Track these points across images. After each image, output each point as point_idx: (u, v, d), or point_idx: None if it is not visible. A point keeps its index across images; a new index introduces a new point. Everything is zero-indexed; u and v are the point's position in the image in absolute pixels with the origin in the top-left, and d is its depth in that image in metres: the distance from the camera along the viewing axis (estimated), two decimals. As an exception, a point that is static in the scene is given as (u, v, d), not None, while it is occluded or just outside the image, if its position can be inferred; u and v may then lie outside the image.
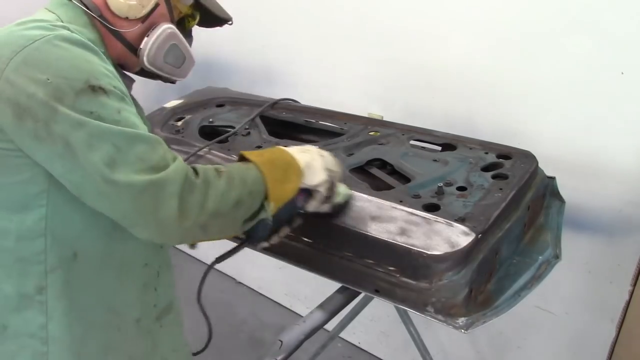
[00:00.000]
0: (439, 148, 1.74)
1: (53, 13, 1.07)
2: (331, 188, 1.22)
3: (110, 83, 0.96)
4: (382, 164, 1.65)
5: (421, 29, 2.12)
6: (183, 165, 0.96)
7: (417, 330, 2.20)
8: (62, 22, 1.04)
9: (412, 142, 1.75)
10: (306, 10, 2.46)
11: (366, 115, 2.09)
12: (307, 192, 1.20)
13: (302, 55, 2.55)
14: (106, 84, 0.95)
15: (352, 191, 1.36)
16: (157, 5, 1.14)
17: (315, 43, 2.48)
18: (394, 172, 1.62)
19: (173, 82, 1.31)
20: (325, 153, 1.23)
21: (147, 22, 1.14)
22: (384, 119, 2.13)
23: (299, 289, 3.02)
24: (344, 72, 2.41)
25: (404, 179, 1.56)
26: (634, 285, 1.61)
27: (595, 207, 1.90)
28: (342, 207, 1.34)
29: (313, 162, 1.17)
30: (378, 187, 1.50)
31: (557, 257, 1.56)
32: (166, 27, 1.17)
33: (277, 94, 2.37)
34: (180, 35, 1.21)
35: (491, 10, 1.94)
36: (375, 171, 1.63)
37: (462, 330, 1.23)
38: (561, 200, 1.71)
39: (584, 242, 1.95)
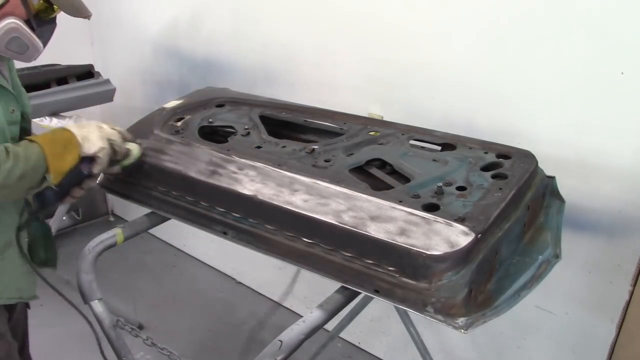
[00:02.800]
0: (439, 148, 1.74)
1: None
2: (113, 153, 1.49)
3: None
4: (382, 164, 1.65)
5: (421, 29, 2.12)
6: None
7: (417, 330, 2.20)
8: None
9: (411, 142, 1.75)
10: (306, 10, 2.46)
11: (366, 115, 2.10)
12: (90, 159, 1.46)
13: (302, 55, 2.55)
14: None
15: (142, 149, 1.62)
16: (6, 1, 1.31)
17: (315, 43, 2.48)
18: (393, 172, 1.62)
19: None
20: (104, 125, 1.49)
21: None
22: (384, 119, 2.13)
23: (299, 289, 3.02)
24: (344, 72, 2.41)
25: (404, 179, 1.56)
26: (634, 285, 1.61)
27: (595, 207, 1.90)
28: (134, 165, 1.60)
29: (89, 134, 1.43)
30: (378, 187, 1.50)
31: (557, 256, 1.56)
32: (8, 22, 1.32)
33: (277, 94, 2.38)
34: (24, 28, 1.34)
35: (491, 11, 1.94)
36: (374, 171, 1.63)
37: (462, 330, 1.23)
38: (561, 199, 1.71)
39: (584, 242, 1.95)
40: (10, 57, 1.44)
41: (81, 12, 1.44)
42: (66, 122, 2.86)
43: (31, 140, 1.36)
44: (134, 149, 1.59)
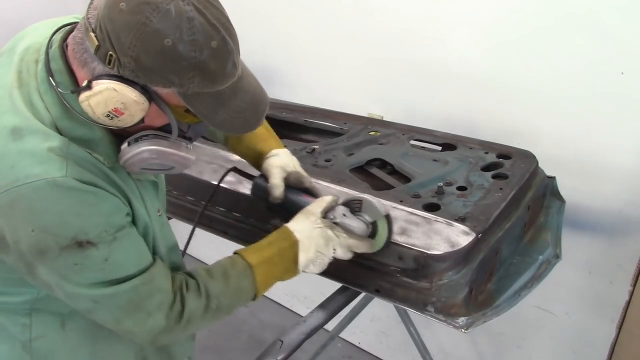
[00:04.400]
0: (439, 148, 1.74)
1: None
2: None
3: (100, 233, 0.92)
4: (382, 164, 1.65)
5: (421, 29, 2.12)
6: (162, 317, 1.00)
7: (417, 330, 2.20)
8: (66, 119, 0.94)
9: (412, 142, 1.76)
10: (306, 10, 2.46)
11: (366, 115, 2.10)
12: None
13: (302, 55, 2.55)
14: (95, 237, 0.92)
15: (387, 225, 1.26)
16: (142, 119, 0.95)
17: (315, 43, 2.48)
18: (394, 172, 1.62)
19: None
20: (337, 232, 1.20)
21: (136, 127, 0.97)
22: (384, 119, 2.13)
23: (299, 289, 3.01)
24: (344, 72, 2.41)
25: (404, 178, 1.56)
26: (634, 285, 1.61)
27: (595, 207, 1.90)
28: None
29: (316, 260, 1.19)
30: (378, 187, 1.50)
31: (557, 256, 1.57)
32: (143, 150, 0.97)
33: (277, 94, 2.38)
34: (162, 150, 0.98)
35: (491, 10, 1.94)
36: (375, 171, 1.63)
37: (462, 330, 1.23)
38: (561, 200, 1.71)
39: (584, 242, 1.95)
40: (157, 174, 1.15)
41: (250, 124, 1.02)
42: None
43: (245, 263, 1.12)
44: (381, 234, 1.25)
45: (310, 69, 2.53)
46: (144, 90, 0.90)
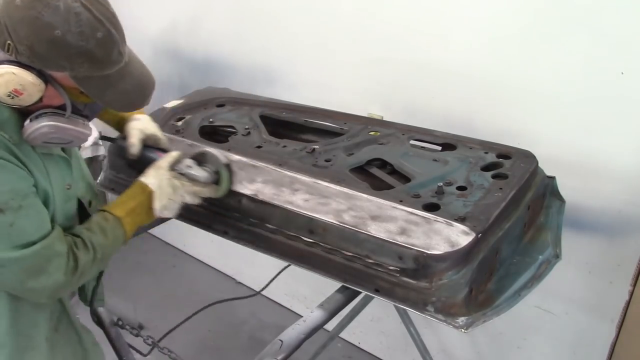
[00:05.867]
0: (439, 148, 1.74)
1: None
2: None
3: (7, 200, 1.07)
4: (382, 164, 1.65)
5: (421, 29, 2.12)
6: (62, 275, 1.15)
7: (417, 330, 2.20)
8: None
9: (412, 142, 1.76)
10: (306, 10, 2.46)
11: (366, 115, 2.10)
12: None
13: (302, 55, 2.55)
14: (2, 204, 1.07)
15: (228, 173, 1.44)
16: (40, 99, 1.10)
17: (315, 43, 2.48)
18: (394, 171, 1.62)
19: None
20: (179, 180, 1.36)
21: (35, 106, 1.11)
22: (384, 119, 2.13)
23: (299, 289, 3.02)
24: (344, 72, 2.41)
25: (404, 178, 1.56)
26: (634, 285, 1.61)
27: (595, 207, 1.90)
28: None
29: (169, 206, 1.35)
30: (378, 187, 1.50)
31: (557, 256, 1.57)
32: (40, 127, 1.11)
33: (277, 94, 2.38)
34: (61, 126, 1.13)
35: (491, 11, 1.94)
36: (375, 171, 1.63)
37: (462, 330, 1.23)
38: (561, 199, 1.71)
39: (584, 242, 1.95)
40: (58, 147, 1.26)
41: (136, 104, 1.20)
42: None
43: (114, 216, 1.27)
44: (223, 180, 1.43)
45: (310, 69, 2.53)
46: (40, 74, 1.06)
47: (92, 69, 1.07)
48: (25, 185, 1.12)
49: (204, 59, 3.01)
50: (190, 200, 1.38)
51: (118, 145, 1.51)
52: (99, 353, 1.54)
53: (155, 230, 3.39)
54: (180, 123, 1.89)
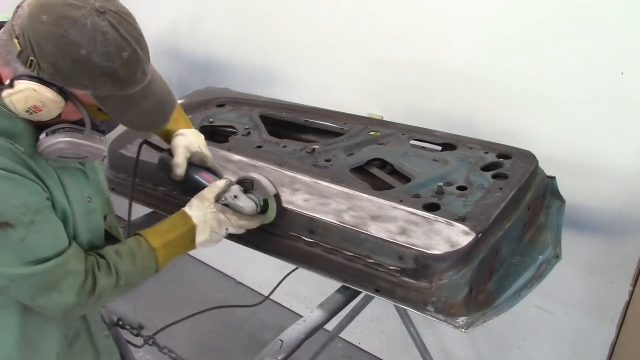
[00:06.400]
0: (439, 148, 1.74)
1: None
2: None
3: (18, 215, 1.03)
4: (382, 164, 1.65)
5: (421, 29, 2.12)
6: (74, 295, 1.11)
7: (417, 330, 2.20)
8: None
9: (412, 142, 1.76)
10: (306, 11, 2.46)
11: (366, 115, 2.10)
12: None
13: (302, 55, 2.55)
14: (13, 219, 1.02)
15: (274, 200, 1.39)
16: (59, 115, 1.06)
17: (315, 43, 2.48)
18: (394, 171, 1.62)
19: None
20: (227, 214, 1.32)
21: (54, 120, 1.08)
22: (384, 119, 2.13)
23: (299, 289, 3.02)
24: (344, 72, 2.41)
25: (404, 178, 1.56)
26: (634, 285, 1.61)
27: (595, 207, 1.90)
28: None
29: (211, 239, 1.31)
30: (378, 187, 1.50)
31: (557, 256, 1.57)
32: (56, 142, 1.08)
33: (277, 94, 2.38)
34: (77, 142, 1.10)
35: (491, 11, 1.94)
36: (375, 171, 1.63)
37: (462, 330, 1.23)
38: (561, 199, 1.71)
39: (584, 242, 1.95)
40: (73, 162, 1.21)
41: (157, 123, 1.17)
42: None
43: (149, 245, 1.23)
44: (270, 210, 1.39)
45: (310, 69, 2.53)
46: (61, 91, 1.02)
47: (114, 88, 1.04)
48: (38, 200, 1.07)
49: (204, 59, 3.01)
50: (235, 232, 1.34)
51: (164, 161, 1.45)
52: None
53: (155, 230, 3.37)
54: (180, 123, 1.89)
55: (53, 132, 1.08)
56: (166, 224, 1.28)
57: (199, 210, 1.30)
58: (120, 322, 1.74)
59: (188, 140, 1.44)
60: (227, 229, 1.32)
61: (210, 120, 1.91)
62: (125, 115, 1.08)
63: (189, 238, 1.28)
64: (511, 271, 1.46)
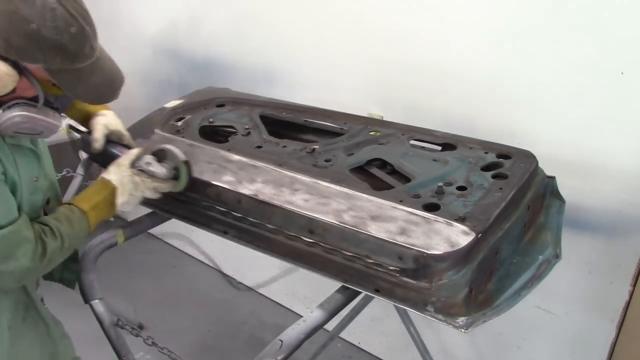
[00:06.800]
0: (439, 148, 1.74)
1: None
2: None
3: None
4: (382, 164, 1.65)
5: (421, 30, 2.12)
6: (28, 261, 1.20)
7: (417, 330, 2.20)
8: None
9: (412, 142, 1.76)
10: (306, 11, 2.46)
11: (366, 115, 2.10)
12: None
13: (302, 55, 2.55)
14: None
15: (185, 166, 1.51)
16: (13, 90, 1.14)
17: (315, 43, 2.48)
18: (394, 171, 1.62)
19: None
20: (141, 177, 1.44)
21: (9, 96, 1.16)
22: (384, 119, 2.13)
23: (299, 289, 3.02)
24: (344, 72, 2.41)
25: (404, 178, 1.56)
26: (634, 285, 1.61)
27: (595, 207, 1.90)
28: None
29: (129, 201, 1.42)
30: (378, 187, 1.50)
31: (557, 256, 1.57)
32: (12, 116, 1.16)
33: (277, 94, 2.38)
34: (33, 117, 1.19)
35: (491, 11, 1.94)
36: (375, 171, 1.63)
37: (462, 330, 1.23)
38: (561, 199, 1.71)
39: (584, 242, 1.95)
40: (28, 138, 1.31)
41: (105, 97, 1.28)
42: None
43: (79, 210, 1.34)
44: (182, 175, 1.52)
45: (310, 69, 2.53)
46: (15, 65, 1.11)
47: (65, 62, 1.12)
48: None
49: (203, 59, 3.01)
50: (151, 195, 1.46)
51: (82, 139, 1.57)
52: (67, 344, 1.58)
53: (156, 230, 3.38)
54: (180, 123, 1.89)
55: (9, 107, 1.16)
56: (90, 190, 1.40)
57: (116, 174, 1.41)
58: (120, 323, 1.73)
59: (107, 120, 1.55)
60: (142, 191, 1.44)
61: (210, 120, 1.91)
62: (76, 89, 1.18)
63: (111, 200, 1.40)
64: (511, 271, 1.46)
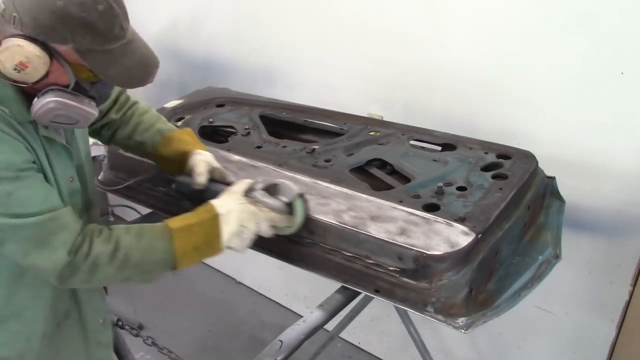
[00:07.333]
0: (439, 148, 1.74)
1: None
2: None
3: (0, 170, 1.06)
4: (382, 164, 1.65)
5: (421, 29, 2.12)
6: (65, 253, 1.10)
7: (417, 330, 2.20)
8: None
9: (412, 142, 1.76)
10: (306, 11, 2.46)
11: (366, 115, 2.10)
12: None
13: (302, 55, 2.55)
14: None
15: (304, 205, 1.35)
16: (47, 73, 1.09)
17: (315, 43, 2.48)
18: (394, 172, 1.62)
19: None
20: (259, 208, 1.27)
21: (41, 84, 1.11)
22: (384, 119, 2.13)
23: (299, 289, 3.02)
24: (344, 72, 2.41)
25: (404, 179, 1.56)
26: (634, 285, 1.61)
27: (595, 207, 1.90)
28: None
29: (240, 234, 1.24)
30: (378, 187, 1.50)
31: (557, 256, 1.57)
32: (47, 102, 1.11)
33: (277, 94, 2.38)
34: (68, 103, 1.13)
35: (491, 11, 1.94)
36: (375, 171, 1.63)
37: (462, 330, 1.23)
38: (561, 200, 1.71)
39: (584, 242, 1.95)
40: (64, 128, 1.25)
41: (139, 80, 1.16)
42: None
43: (164, 226, 1.19)
44: (298, 211, 1.33)
45: (310, 69, 2.53)
46: (44, 47, 1.06)
47: (94, 41, 1.07)
48: (23, 159, 1.10)
49: (203, 59, 3.01)
50: (266, 229, 1.27)
51: (177, 182, 1.44)
52: (102, 357, 1.46)
53: (155, 230, 3.37)
54: (180, 123, 1.89)
55: (43, 93, 1.12)
56: (190, 212, 1.23)
57: (226, 200, 1.25)
58: (120, 322, 1.73)
59: (207, 158, 1.45)
60: (257, 224, 1.25)
61: (210, 120, 1.91)
62: (107, 70, 1.11)
63: (212, 229, 1.21)
64: (511, 271, 1.46)
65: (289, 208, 1.32)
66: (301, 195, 1.33)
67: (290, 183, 1.34)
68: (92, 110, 1.18)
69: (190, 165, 1.43)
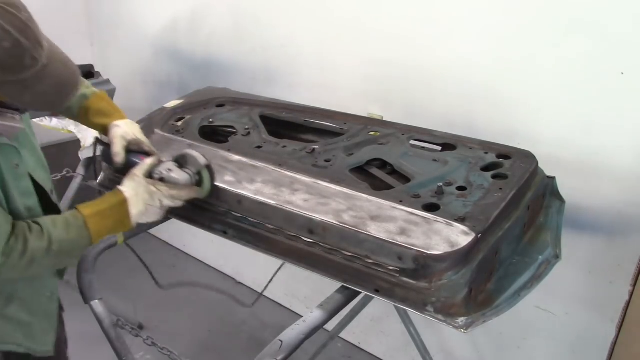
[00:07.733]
0: (439, 148, 1.74)
1: None
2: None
3: None
4: (382, 164, 1.65)
5: (421, 30, 2.12)
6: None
7: (417, 330, 2.20)
8: None
9: (412, 142, 1.76)
10: (306, 11, 2.46)
11: (366, 115, 2.10)
12: None
13: (302, 55, 2.55)
14: None
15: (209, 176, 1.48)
16: None
17: (315, 43, 2.48)
18: (394, 172, 1.62)
19: None
20: (157, 186, 1.40)
21: None
22: (384, 119, 2.13)
23: (299, 289, 3.02)
24: (344, 72, 2.42)
25: (404, 178, 1.56)
26: (634, 285, 1.61)
27: (595, 207, 1.90)
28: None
29: (147, 212, 1.39)
30: (378, 187, 1.50)
31: (557, 256, 1.57)
32: None
33: (277, 94, 2.38)
34: None
35: (491, 11, 1.94)
36: (375, 171, 1.63)
37: (462, 330, 1.23)
38: (561, 200, 1.71)
39: (584, 242, 1.95)
40: None
41: (55, 104, 1.25)
42: (66, 122, 2.86)
43: (81, 214, 1.30)
44: (205, 181, 1.47)
45: (310, 69, 2.53)
46: None
47: (4, 75, 1.11)
48: None
49: (203, 59, 3.01)
50: (171, 203, 1.42)
51: (104, 154, 1.56)
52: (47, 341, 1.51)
53: (155, 230, 3.39)
54: (180, 123, 1.89)
55: None
56: (100, 199, 1.36)
57: (129, 184, 1.38)
58: (120, 323, 1.73)
59: (123, 130, 1.53)
60: (160, 200, 1.39)
61: (210, 120, 1.91)
62: (22, 98, 1.16)
63: (121, 210, 1.34)
64: (511, 271, 1.46)
65: (199, 176, 1.46)
66: (207, 166, 1.46)
67: (196, 153, 1.45)
68: (15, 124, 1.25)
69: (109, 139, 1.53)
